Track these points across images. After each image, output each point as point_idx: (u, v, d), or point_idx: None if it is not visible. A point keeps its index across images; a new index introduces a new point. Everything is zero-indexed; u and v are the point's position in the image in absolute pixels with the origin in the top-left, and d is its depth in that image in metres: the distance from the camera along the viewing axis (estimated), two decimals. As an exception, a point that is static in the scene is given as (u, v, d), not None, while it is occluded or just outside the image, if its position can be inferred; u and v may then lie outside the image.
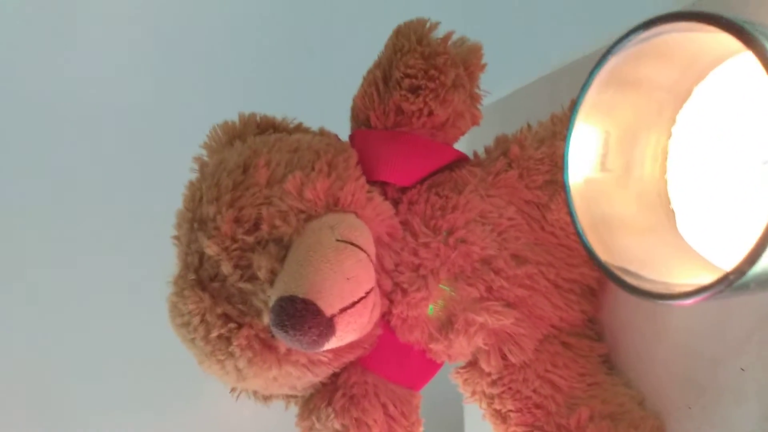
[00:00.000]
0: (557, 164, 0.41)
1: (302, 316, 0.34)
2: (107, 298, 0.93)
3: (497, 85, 0.52)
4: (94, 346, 0.92)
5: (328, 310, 0.35)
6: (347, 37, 0.94)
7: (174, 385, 0.95)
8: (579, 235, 0.23)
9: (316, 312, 0.34)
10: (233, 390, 0.46)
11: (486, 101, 0.47)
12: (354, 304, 0.36)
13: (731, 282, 0.18)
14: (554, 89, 0.54)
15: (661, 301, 0.20)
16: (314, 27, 0.96)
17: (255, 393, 0.46)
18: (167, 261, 0.42)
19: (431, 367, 0.45)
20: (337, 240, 0.36)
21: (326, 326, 0.35)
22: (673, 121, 0.25)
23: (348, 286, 0.35)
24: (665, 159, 0.26)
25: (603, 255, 0.22)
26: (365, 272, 0.36)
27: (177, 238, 0.41)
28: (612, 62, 0.22)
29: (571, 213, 0.23)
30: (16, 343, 0.91)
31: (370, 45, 0.46)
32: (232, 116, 0.44)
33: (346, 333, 0.36)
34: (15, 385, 0.91)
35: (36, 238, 0.91)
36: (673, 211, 0.26)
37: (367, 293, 0.37)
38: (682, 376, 0.40)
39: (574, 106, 0.23)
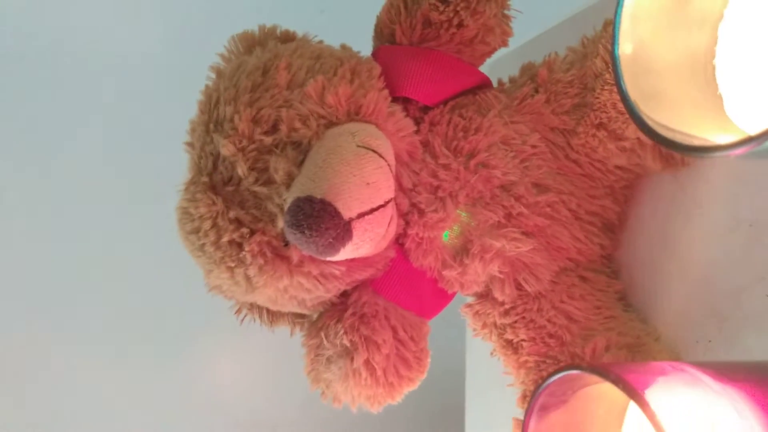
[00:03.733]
0: (587, 86, 0.39)
1: (319, 216, 0.33)
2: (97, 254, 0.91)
3: (521, 27, 0.50)
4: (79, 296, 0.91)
5: (346, 213, 0.34)
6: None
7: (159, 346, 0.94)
8: (622, 95, 0.21)
9: (334, 213, 0.33)
10: (239, 311, 0.45)
11: (509, 46, 0.46)
12: (372, 211, 0.35)
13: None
14: (580, 31, 0.53)
15: (702, 155, 0.19)
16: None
17: (261, 315, 0.45)
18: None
19: (442, 297, 0.44)
20: (358, 146, 0.35)
21: (343, 229, 0.34)
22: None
23: (367, 191, 0.34)
24: (715, 43, 0.25)
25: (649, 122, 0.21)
26: (385, 180, 0.35)
27: (190, 144, 0.40)
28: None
29: (618, 82, 0.22)
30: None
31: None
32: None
33: (363, 241, 0.35)
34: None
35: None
36: (720, 96, 0.24)
37: (386, 203, 0.36)
38: (703, 309, 0.39)
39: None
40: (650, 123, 0.20)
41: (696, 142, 0.19)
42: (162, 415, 0.95)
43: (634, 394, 0.22)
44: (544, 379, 0.25)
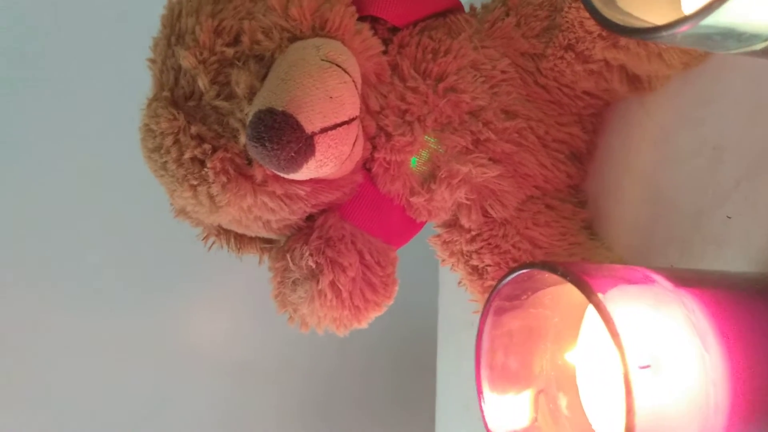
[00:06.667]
0: (556, 7, 0.39)
1: (281, 128, 0.32)
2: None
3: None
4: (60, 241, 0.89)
5: (309, 127, 0.33)
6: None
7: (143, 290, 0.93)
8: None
9: (296, 126, 0.33)
10: (206, 238, 0.45)
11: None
12: (336, 126, 0.34)
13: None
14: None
15: (648, 35, 0.18)
16: None
17: (228, 241, 0.44)
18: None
19: (410, 226, 0.44)
20: (322, 59, 0.34)
21: (305, 143, 0.33)
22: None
23: (330, 106, 0.34)
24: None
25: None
26: (350, 96, 0.35)
27: (152, 60, 0.39)
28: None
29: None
30: None
31: None
32: None
33: (326, 158, 0.34)
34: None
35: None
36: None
37: (351, 120, 0.35)
38: (666, 234, 0.39)
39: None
40: (598, 5, 0.20)
41: (637, 24, 0.19)
42: (142, 362, 0.95)
43: (590, 292, 0.22)
44: (501, 279, 0.25)
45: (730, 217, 0.35)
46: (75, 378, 0.91)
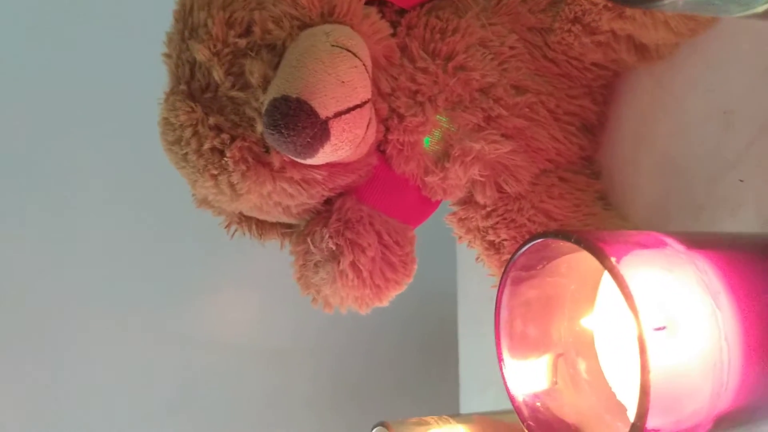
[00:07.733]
0: (562, -20, 0.39)
1: (296, 115, 0.33)
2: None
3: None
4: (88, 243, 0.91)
5: (323, 112, 0.34)
6: None
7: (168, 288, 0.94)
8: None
9: (310, 112, 0.33)
10: (228, 226, 0.46)
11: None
12: (349, 110, 0.35)
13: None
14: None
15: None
16: None
17: (250, 228, 0.45)
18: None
19: (426, 205, 0.45)
20: (332, 45, 0.35)
21: (320, 128, 0.34)
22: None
23: (343, 90, 0.34)
24: None
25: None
26: (361, 79, 0.35)
27: (167, 55, 0.40)
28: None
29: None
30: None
31: None
32: None
33: (341, 142, 0.35)
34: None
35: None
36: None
37: (363, 103, 0.36)
38: (680, 201, 0.40)
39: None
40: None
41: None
42: (174, 353, 0.97)
43: (603, 257, 0.23)
44: (517, 249, 0.26)
45: (742, 180, 0.35)
46: (108, 368, 0.94)
